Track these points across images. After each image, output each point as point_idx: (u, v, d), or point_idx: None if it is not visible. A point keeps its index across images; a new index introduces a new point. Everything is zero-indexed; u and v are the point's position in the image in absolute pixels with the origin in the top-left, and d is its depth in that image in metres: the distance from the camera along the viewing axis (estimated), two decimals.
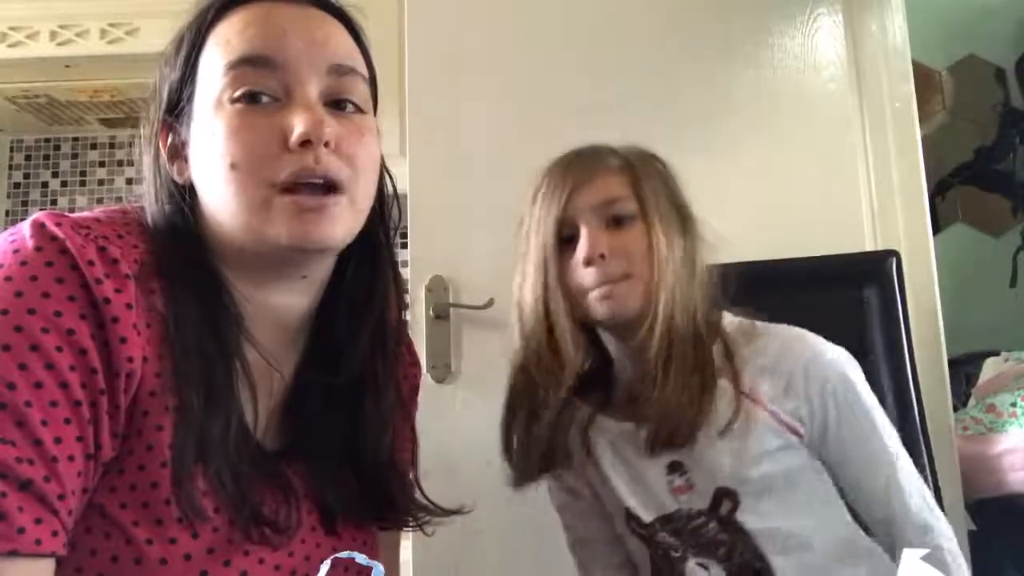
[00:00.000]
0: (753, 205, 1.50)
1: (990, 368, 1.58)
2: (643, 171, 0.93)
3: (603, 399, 0.95)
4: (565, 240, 0.89)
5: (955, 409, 1.50)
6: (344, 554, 0.52)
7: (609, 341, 0.94)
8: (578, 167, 0.92)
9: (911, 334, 1.24)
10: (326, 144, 0.63)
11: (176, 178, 0.68)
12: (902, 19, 1.60)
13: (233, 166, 0.62)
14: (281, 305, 0.69)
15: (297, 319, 0.71)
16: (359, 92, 0.68)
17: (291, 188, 0.62)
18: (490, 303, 1.48)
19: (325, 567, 0.48)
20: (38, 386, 0.53)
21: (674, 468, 0.89)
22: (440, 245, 1.50)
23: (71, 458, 0.54)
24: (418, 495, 0.77)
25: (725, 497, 0.87)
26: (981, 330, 1.77)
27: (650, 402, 0.87)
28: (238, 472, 0.62)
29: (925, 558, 0.54)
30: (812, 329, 0.93)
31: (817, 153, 1.55)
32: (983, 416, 1.47)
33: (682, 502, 0.89)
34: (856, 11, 1.60)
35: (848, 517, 0.90)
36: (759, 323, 0.92)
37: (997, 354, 1.60)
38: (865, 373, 0.91)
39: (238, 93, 0.63)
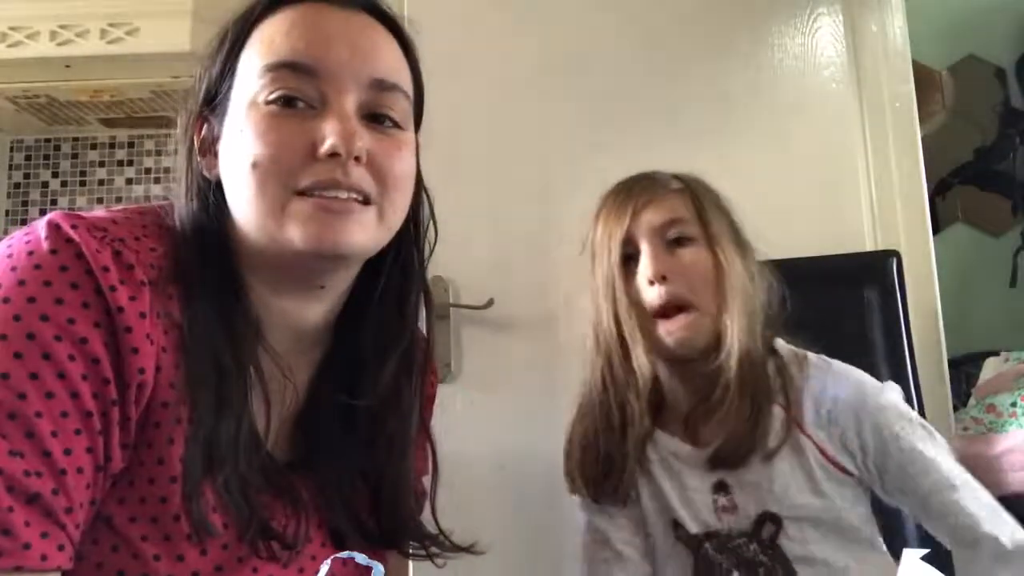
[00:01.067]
0: (753, 205, 1.50)
1: (990, 368, 1.57)
2: (703, 194, 0.95)
3: (656, 413, 0.96)
4: (627, 258, 0.92)
5: (955, 409, 1.50)
6: (344, 554, 0.51)
7: (658, 362, 0.95)
8: (641, 188, 0.94)
9: (911, 334, 1.24)
10: (356, 158, 0.61)
11: (205, 173, 0.66)
12: (902, 19, 1.60)
13: (255, 166, 0.60)
14: (297, 313, 0.68)
15: (313, 328, 0.70)
16: (400, 108, 0.66)
17: (311, 194, 0.60)
18: (490, 303, 1.48)
19: (325, 567, 0.48)
20: (49, 396, 0.52)
21: (720, 488, 0.90)
22: (440, 245, 1.50)
23: (80, 470, 0.53)
24: (430, 524, 0.75)
25: (768, 520, 0.88)
26: (981, 330, 1.77)
27: (714, 425, 0.89)
28: (247, 482, 0.61)
29: None
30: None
31: (817, 153, 1.55)
32: (983, 416, 1.46)
33: (725, 522, 0.90)
34: (856, 11, 1.60)
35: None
36: (810, 354, 0.93)
37: (997, 354, 1.60)
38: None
39: (273, 95, 0.62)
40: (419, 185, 0.73)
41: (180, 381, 0.59)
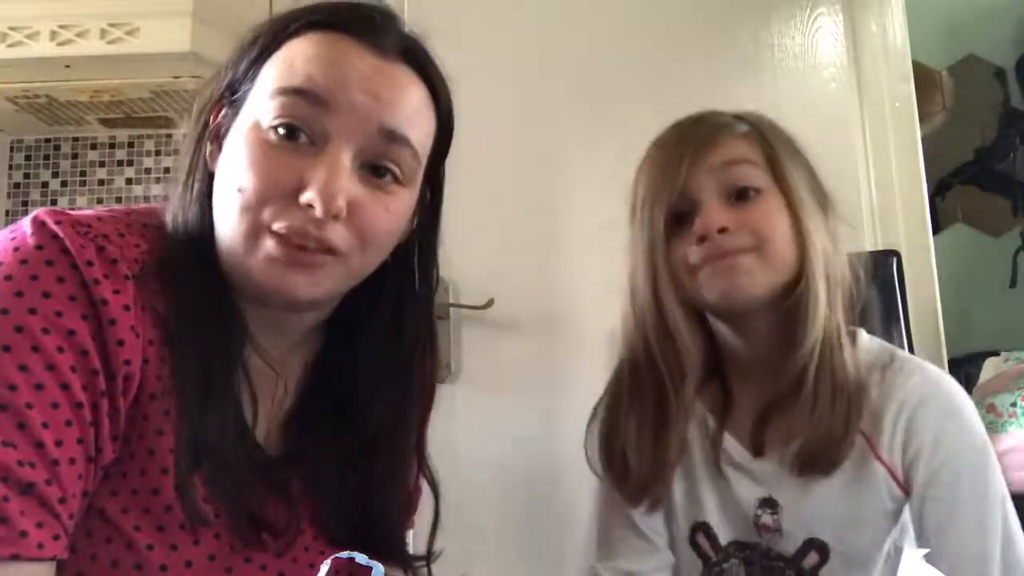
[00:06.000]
0: None
1: (990, 368, 1.58)
2: (774, 137, 0.81)
3: (722, 405, 0.83)
4: (678, 218, 0.77)
5: None
6: (344, 554, 0.51)
7: (728, 335, 0.81)
8: (697, 131, 0.79)
9: (911, 334, 1.24)
10: (335, 216, 0.59)
11: (208, 162, 0.65)
12: (902, 19, 1.61)
13: (240, 191, 0.60)
14: (283, 319, 0.68)
15: (299, 333, 0.70)
16: (405, 164, 0.64)
17: (282, 237, 0.60)
18: (490, 303, 1.48)
19: (325, 567, 0.48)
20: (39, 388, 0.52)
21: (767, 504, 0.78)
22: (440, 245, 1.50)
23: (72, 461, 0.54)
24: (413, 545, 0.75)
25: (814, 549, 0.76)
26: (981, 330, 1.77)
27: (784, 428, 0.76)
28: (235, 473, 0.61)
29: None
30: None
31: (817, 153, 1.54)
32: (983, 416, 1.46)
33: (765, 539, 0.79)
34: (856, 11, 1.60)
35: None
36: (899, 353, 0.79)
37: (997, 354, 1.60)
38: None
39: (278, 121, 0.60)
40: (436, 229, 0.72)
41: (167, 374, 0.59)
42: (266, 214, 0.60)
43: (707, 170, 0.76)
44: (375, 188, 0.62)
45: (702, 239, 0.74)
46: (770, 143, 0.79)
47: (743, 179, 0.76)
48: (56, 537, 0.52)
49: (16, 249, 0.56)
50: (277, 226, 0.59)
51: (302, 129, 0.60)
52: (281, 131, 0.60)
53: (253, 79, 0.64)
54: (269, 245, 0.60)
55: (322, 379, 0.72)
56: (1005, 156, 1.98)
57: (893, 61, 1.59)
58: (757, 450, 0.80)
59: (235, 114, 0.64)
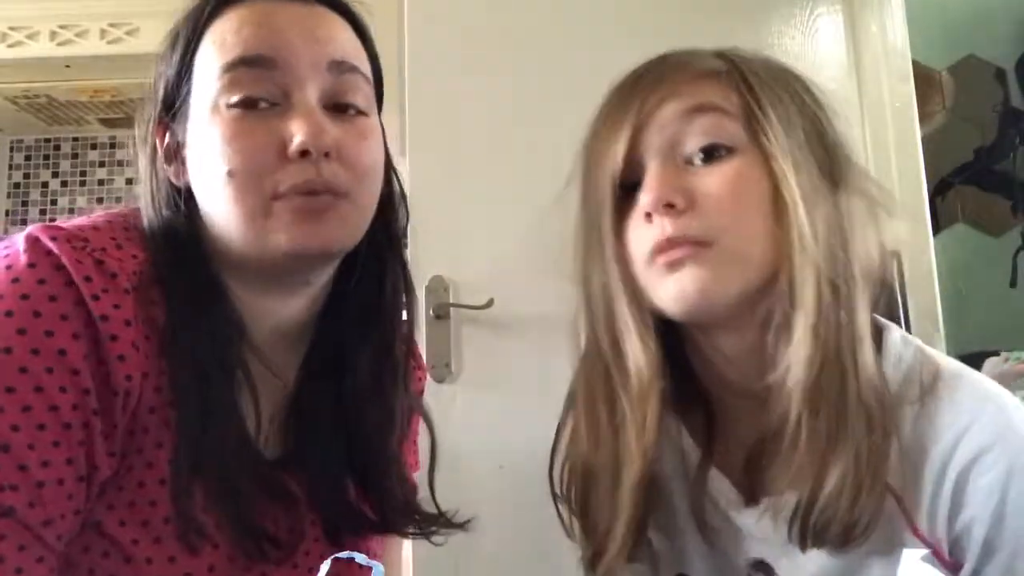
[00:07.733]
0: None
1: (990, 368, 1.58)
2: (759, 77, 0.59)
3: (707, 433, 0.64)
4: (630, 190, 0.59)
5: None
6: (344, 554, 0.51)
7: (697, 349, 0.62)
8: (656, 74, 0.60)
9: (911, 334, 1.24)
10: (327, 154, 0.61)
11: (173, 180, 0.66)
12: (902, 19, 1.61)
13: (230, 174, 0.60)
14: (281, 310, 0.68)
15: (298, 324, 0.70)
16: (361, 93, 0.66)
17: (290, 197, 0.60)
18: (490, 303, 1.48)
19: (325, 567, 0.48)
20: (26, 410, 0.52)
21: (760, 568, 0.61)
22: (440, 245, 1.50)
23: (60, 481, 0.53)
24: (423, 503, 0.75)
25: None
26: (981, 330, 1.77)
27: (783, 474, 0.56)
28: (238, 489, 0.61)
29: None
30: None
31: None
32: None
33: None
34: (856, 11, 1.60)
35: None
36: (944, 368, 0.58)
37: (997, 354, 1.60)
38: None
39: (235, 98, 0.61)
40: (388, 168, 0.72)
41: (166, 385, 0.59)
42: (265, 185, 0.60)
43: (659, 124, 0.57)
44: (345, 123, 0.64)
45: (649, 214, 0.56)
46: (751, 85, 0.58)
47: (707, 134, 0.56)
48: (40, 559, 0.52)
49: (8, 268, 0.55)
50: (281, 188, 0.60)
51: (259, 97, 0.62)
52: (242, 105, 0.61)
53: (189, 78, 0.64)
54: (281, 211, 0.60)
55: (316, 373, 0.71)
56: (1005, 156, 1.98)
57: (893, 61, 1.59)
58: (751, 494, 0.61)
59: (184, 120, 0.65)
